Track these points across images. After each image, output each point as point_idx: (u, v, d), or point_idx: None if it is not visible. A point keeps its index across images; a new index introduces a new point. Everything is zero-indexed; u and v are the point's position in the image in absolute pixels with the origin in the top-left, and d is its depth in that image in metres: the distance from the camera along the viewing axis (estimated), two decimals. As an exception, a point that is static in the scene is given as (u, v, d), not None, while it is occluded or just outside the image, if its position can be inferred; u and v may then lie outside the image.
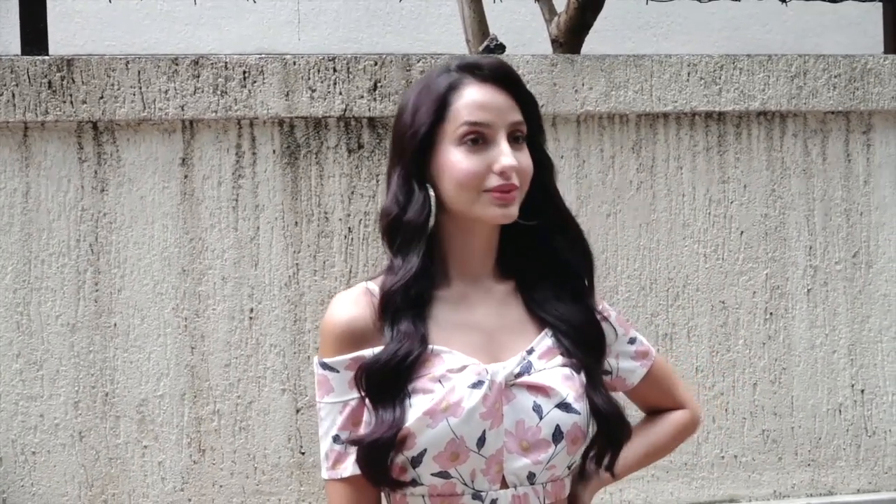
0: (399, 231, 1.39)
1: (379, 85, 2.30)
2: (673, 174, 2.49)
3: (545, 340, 1.42)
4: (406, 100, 1.44)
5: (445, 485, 1.37)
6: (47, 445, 2.10)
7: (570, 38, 2.54)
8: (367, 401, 1.38)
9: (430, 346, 1.38)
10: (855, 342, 2.61)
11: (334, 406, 1.41)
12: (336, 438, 1.39)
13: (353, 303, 1.40)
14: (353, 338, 1.40)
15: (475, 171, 1.34)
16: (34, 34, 2.28)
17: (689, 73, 2.44)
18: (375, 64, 2.30)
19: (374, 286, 1.38)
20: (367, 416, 1.39)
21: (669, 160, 2.46)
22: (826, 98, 2.50)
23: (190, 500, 2.10)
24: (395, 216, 1.40)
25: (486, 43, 2.44)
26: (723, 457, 2.47)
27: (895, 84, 2.54)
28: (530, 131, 1.40)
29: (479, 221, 1.38)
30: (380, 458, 1.36)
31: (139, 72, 2.18)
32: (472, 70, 1.39)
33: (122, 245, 2.18)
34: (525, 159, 1.37)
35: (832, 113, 2.59)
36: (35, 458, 2.06)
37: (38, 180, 2.20)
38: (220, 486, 2.12)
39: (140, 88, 2.18)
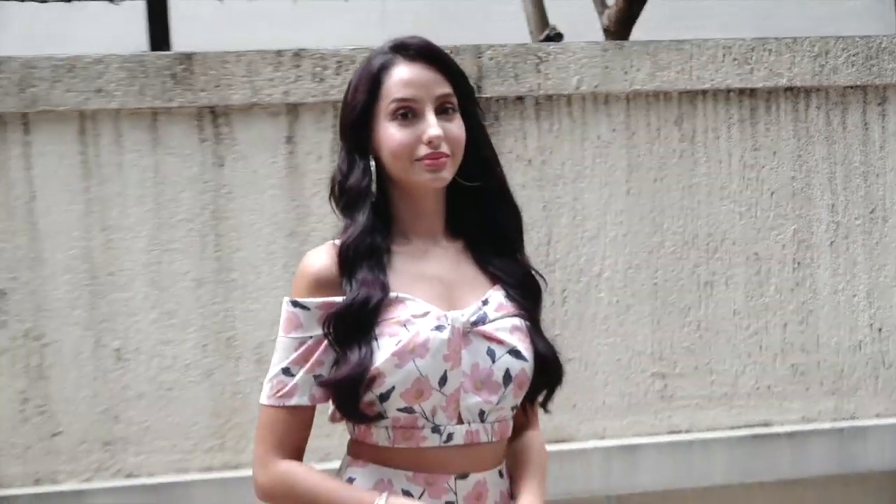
0: (343, 195, 1.47)
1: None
2: (711, 143, 2.67)
3: (497, 293, 1.50)
4: (350, 81, 1.52)
5: (408, 419, 1.44)
6: (181, 382, 2.35)
7: (619, 28, 2.81)
8: (331, 344, 1.42)
9: (393, 293, 1.44)
10: (873, 287, 2.78)
11: (293, 341, 1.45)
12: (286, 371, 1.45)
13: (324, 254, 1.46)
14: (324, 283, 1.45)
15: (406, 143, 1.40)
16: (159, 33, 2.53)
17: (724, 55, 2.63)
18: (451, 52, 2.52)
19: (339, 242, 1.46)
20: (324, 356, 1.44)
21: (708, 131, 2.65)
22: (845, 74, 2.68)
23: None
24: (339, 183, 1.48)
25: (546, 32, 2.65)
26: (758, 388, 2.69)
27: (907, 61, 2.77)
28: (462, 102, 1.45)
29: (417, 186, 1.45)
30: (352, 395, 1.42)
31: (249, 63, 2.40)
32: (400, 50, 1.45)
33: (238, 212, 2.41)
34: (455, 128, 1.42)
35: (851, 87, 2.75)
36: (170, 393, 2.33)
37: (166, 158, 2.41)
38: (321, 414, 2.33)
39: (250, 78, 2.39)
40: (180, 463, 2.42)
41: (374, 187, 1.44)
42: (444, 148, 1.40)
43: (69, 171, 2.36)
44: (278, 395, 1.43)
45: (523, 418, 1.56)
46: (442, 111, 1.41)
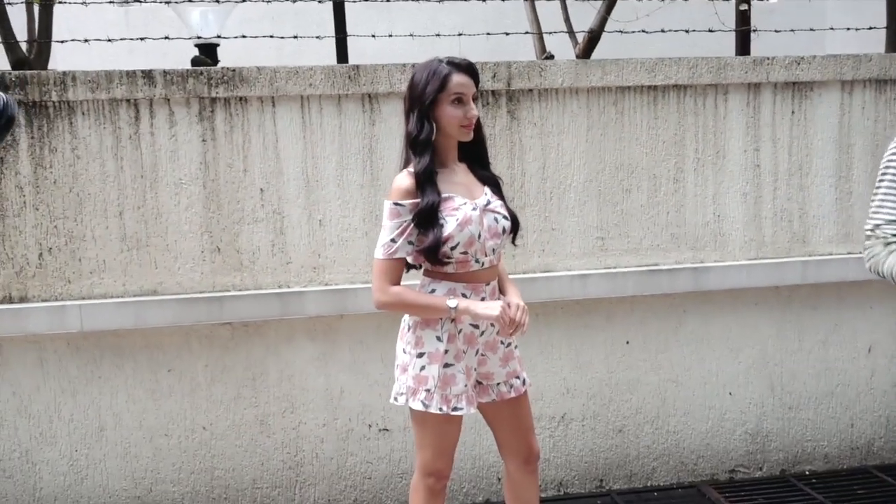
0: (416, 143, 2.20)
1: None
2: (631, 115, 3.60)
3: (488, 189, 2.29)
4: (418, 76, 2.20)
5: (464, 257, 2.21)
6: (353, 236, 3.59)
7: (585, 53, 3.83)
8: (417, 225, 2.14)
9: (445, 194, 2.16)
10: (716, 192, 3.69)
11: (396, 223, 2.19)
12: (392, 240, 2.19)
13: (407, 177, 2.19)
14: (409, 193, 2.17)
15: (460, 116, 2.19)
16: (342, 52, 3.75)
17: (639, 67, 3.54)
18: (493, 65, 3.44)
19: (412, 170, 2.17)
20: (412, 232, 2.16)
21: (630, 108, 3.56)
22: (707, 77, 3.60)
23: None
24: (414, 136, 2.21)
25: (545, 54, 3.79)
26: (651, 244, 3.69)
27: None
28: (476, 98, 2.21)
29: (456, 138, 2.21)
30: (434, 250, 2.18)
31: (389, 70, 3.36)
32: (456, 66, 2.20)
33: (383, 150, 3.49)
34: (476, 111, 2.20)
35: (710, 85, 3.59)
36: (347, 241, 3.69)
37: (347, 119, 3.45)
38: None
39: (389, 76, 3.37)
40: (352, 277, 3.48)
41: (433, 138, 2.21)
42: (474, 120, 2.23)
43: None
44: (388, 252, 2.20)
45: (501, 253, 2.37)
46: (473, 101, 2.24)
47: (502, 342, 2.38)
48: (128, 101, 3.32)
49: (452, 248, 2.19)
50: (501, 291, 2.38)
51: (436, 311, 2.19)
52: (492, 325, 2.32)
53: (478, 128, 2.29)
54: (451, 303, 2.17)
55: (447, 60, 2.21)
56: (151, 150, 3.32)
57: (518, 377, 2.43)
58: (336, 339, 3.59)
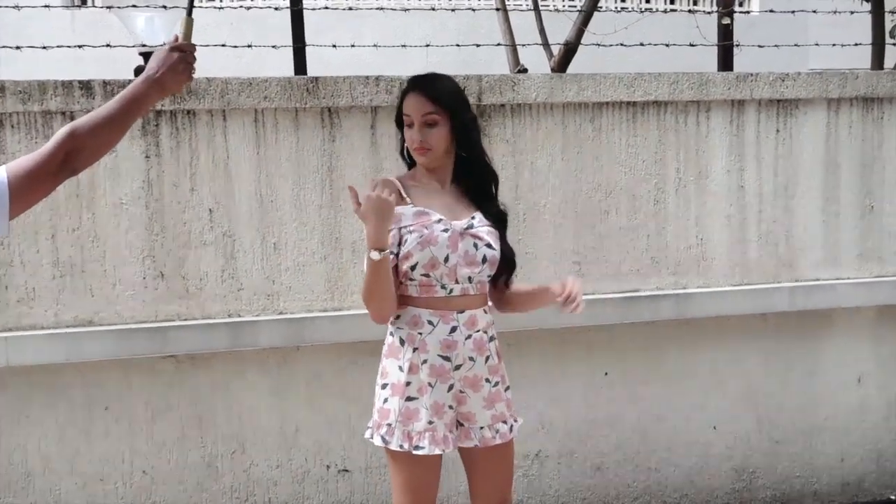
0: (405, 156, 2.29)
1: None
2: (609, 132, 3.47)
3: (480, 215, 2.23)
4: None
5: (426, 280, 2.16)
6: (310, 262, 3.58)
7: (560, 67, 3.75)
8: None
9: (419, 208, 2.12)
10: (699, 215, 3.58)
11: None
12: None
13: (392, 180, 2.20)
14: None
15: (410, 140, 2.21)
16: (300, 62, 3.55)
17: (617, 82, 3.42)
18: (464, 78, 3.20)
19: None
20: (394, 241, 2.12)
21: (609, 126, 3.45)
22: (688, 94, 3.48)
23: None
24: (401, 151, 2.31)
25: (518, 68, 3.69)
26: (631, 269, 3.55)
27: None
28: (451, 113, 2.17)
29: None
30: (395, 266, 2.16)
31: (350, 84, 3.17)
32: (410, 85, 2.23)
33: (343, 168, 3.31)
34: (420, 137, 2.17)
35: (692, 102, 3.49)
36: (304, 267, 3.46)
37: (304, 134, 3.39)
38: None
39: (351, 92, 3.17)
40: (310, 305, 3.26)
41: (404, 153, 2.28)
42: (427, 145, 2.19)
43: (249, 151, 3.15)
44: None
45: (504, 290, 2.35)
46: (429, 125, 2.18)
47: (487, 380, 2.25)
48: (62, 113, 3.07)
49: (412, 268, 2.13)
50: (532, 294, 2.36)
51: (374, 277, 2.09)
52: (471, 359, 2.22)
53: (472, 145, 2.24)
54: (372, 254, 2.08)
55: (411, 79, 2.25)
56: (89, 167, 2.99)
57: (505, 422, 2.30)
58: (291, 372, 3.36)
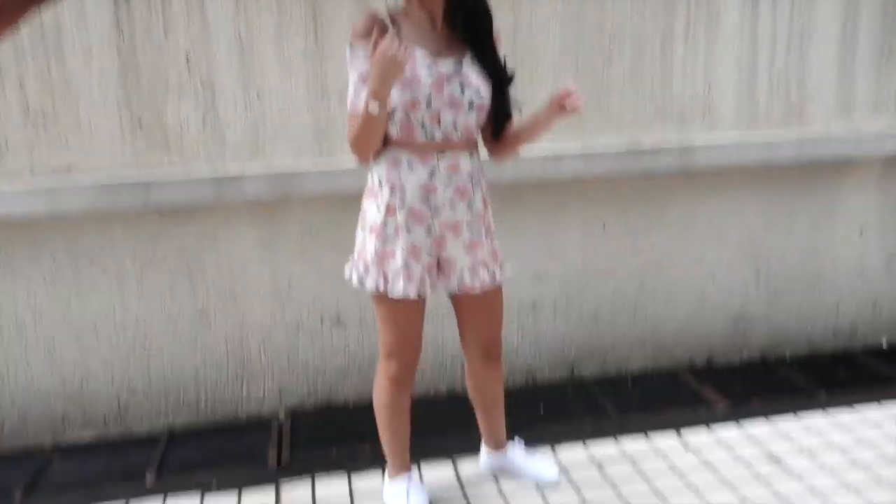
0: None
1: None
2: None
3: (469, 59, 2.11)
4: None
5: (406, 122, 2.09)
6: (298, 110, 3.37)
7: None
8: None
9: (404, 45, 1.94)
10: (708, 59, 3.42)
11: (354, 70, 2.10)
12: (355, 89, 2.10)
13: (367, 16, 2.08)
14: (365, 33, 2.06)
15: None
16: None
17: None
18: None
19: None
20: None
21: None
22: None
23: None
24: None
25: None
26: (633, 118, 3.39)
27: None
28: None
29: None
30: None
31: None
32: None
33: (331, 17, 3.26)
34: None
35: None
36: (287, 116, 3.29)
37: None
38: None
39: None
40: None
41: None
42: None
43: None
44: (352, 105, 2.12)
45: (499, 140, 2.28)
46: None
47: (469, 225, 2.20)
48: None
49: (393, 109, 2.06)
50: (527, 133, 2.26)
51: (367, 126, 2.03)
52: (451, 204, 2.16)
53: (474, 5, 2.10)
54: (371, 107, 2.00)
55: None
56: (52, 9, 2.81)
57: (488, 268, 2.26)
58: (282, 225, 3.26)
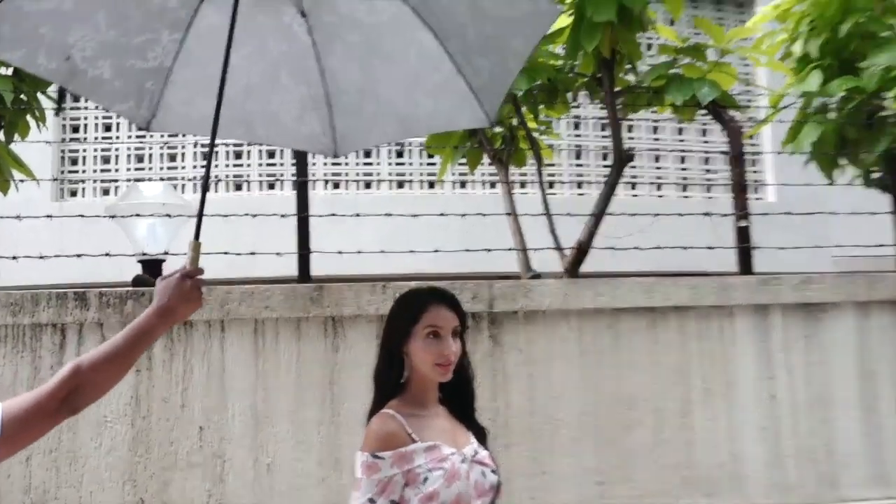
0: (381, 384, 1.99)
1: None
2: (628, 339, 3.33)
3: (473, 438, 2.03)
4: (395, 305, 2.04)
5: None
6: (311, 482, 3.28)
7: (573, 268, 3.64)
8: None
9: (428, 442, 1.89)
10: (729, 424, 3.39)
11: (375, 481, 1.88)
12: (371, 499, 1.88)
13: (388, 419, 1.92)
14: (392, 440, 1.91)
15: (434, 354, 1.93)
16: (304, 268, 3.31)
17: (636, 287, 3.34)
18: (474, 284, 3.24)
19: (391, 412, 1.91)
20: (397, 491, 1.87)
21: (627, 332, 3.33)
22: (709, 299, 3.39)
23: None
24: (379, 374, 1.99)
25: (531, 273, 3.58)
26: (657, 489, 3.28)
27: None
28: (461, 329, 1.98)
29: (430, 378, 1.95)
30: None
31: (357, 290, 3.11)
32: (435, 295, 2.01)
33: (349, 379, 3.30)
34: (458, 348, 1.95)
35: (714, 307, 3.39)
36: (306, 485, 3.25)
37: (307, 346, 3.32)
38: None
39: (356, 299, 3.09)
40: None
41: (402, 379, 1.96)
42: (453, 359, 1.96)
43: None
44: None
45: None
46: (455, 335, 1.98)
47: None
48: (54, 325, 2.90)
49: None
50: None
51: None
52: None
53: (462, 368, 2.02)
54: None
55: (428, 289, 2.04)
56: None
57: None
58: None
